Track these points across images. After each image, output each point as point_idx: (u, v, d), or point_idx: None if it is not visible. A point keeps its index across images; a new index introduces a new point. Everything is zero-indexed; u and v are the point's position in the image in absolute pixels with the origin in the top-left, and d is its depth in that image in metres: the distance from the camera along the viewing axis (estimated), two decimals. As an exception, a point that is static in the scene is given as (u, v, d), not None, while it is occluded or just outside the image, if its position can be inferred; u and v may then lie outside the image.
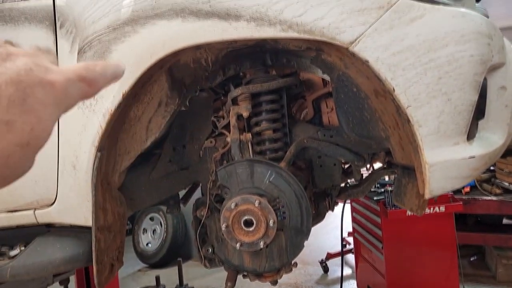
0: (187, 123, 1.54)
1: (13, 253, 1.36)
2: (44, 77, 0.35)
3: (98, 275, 1.28)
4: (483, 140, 1.14)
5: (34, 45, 0.40)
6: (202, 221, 1.48)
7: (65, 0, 1.27)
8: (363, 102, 1.25)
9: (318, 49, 1.22)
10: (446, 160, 1.08)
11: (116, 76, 0.44)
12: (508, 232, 3.51)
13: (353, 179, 1.69)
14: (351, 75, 1.22)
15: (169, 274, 4.27)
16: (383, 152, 1.50)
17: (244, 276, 1.47)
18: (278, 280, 1.45)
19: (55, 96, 0.36)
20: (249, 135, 1.42)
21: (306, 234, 1.30)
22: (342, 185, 1.74)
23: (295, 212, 1.28)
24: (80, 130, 1.22)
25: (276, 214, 1.25)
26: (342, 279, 3.47)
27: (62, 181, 1.27)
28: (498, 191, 3.40)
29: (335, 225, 3.72)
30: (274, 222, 1.23)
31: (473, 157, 1.09)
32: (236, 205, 1.25)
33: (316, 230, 1.62)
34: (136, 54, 1.13)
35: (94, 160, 1.21)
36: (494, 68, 1.13)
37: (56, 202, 1.30)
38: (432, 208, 2.83)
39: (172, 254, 4.74)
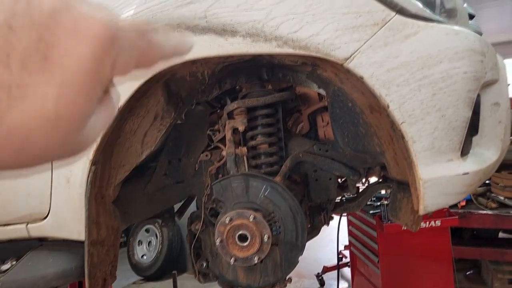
0: (183, 136, 1.54)
1: (4, 267, 1.34)
2: (79, 20, 0.25)
3: (91, 290, 1.27)
4: (477, 156, 1.15)
5: None
6: (197, 235, 1.47)
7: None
8: (358, 117, 1.26)
9: (313, 64, 1.23)
10: (440, 176, 1.08)
11: (178, 52, 0.33)
12: (504, 246, 3.50)
13: (348, 193, 1.69)
14: (346, 90, 1.23)
15: (164, 287, 4.22)
16: (378, 167, 1.50)
17: (238, 291, 1.46)
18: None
19: (94, 49, 0.25)
20: (244, 149, 1.42)
21: (301, 249, 1.30)
22: (338, 199, 1.73)
23: (290, 227, 1.28)
24: (75, 144, 1.21)
25: (271, 229, 1.24)
26: (338, 293, 3.45)
27: (56, 194, 1.26)
28: (493, 205, 3.40)
29: (332, 238, 3.71)
30: (268, 237, 1.22)
31: (467, 173, 1.09)
32: (231, 219, 1.24)
33: (312, 243, 1.61)
34: (132, 68, 1.14)
35: (88, 174, 1.20)
36: (487, 85, 1.14)
37: (49, 216, 1.28)
38: (428, 222, 2.83)
39: (167, 266, 4.69)
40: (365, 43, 1.05)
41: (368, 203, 3.01)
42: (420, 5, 1.10)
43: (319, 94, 1.54)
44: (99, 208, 1.28)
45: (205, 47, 1.10)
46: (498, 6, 7.45)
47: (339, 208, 1.73)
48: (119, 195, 1.40)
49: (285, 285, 1.41)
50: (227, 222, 1.24)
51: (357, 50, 1.05)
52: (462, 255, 3.46)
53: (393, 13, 1.05)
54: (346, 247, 3.96)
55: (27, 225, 1.30)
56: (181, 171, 1.55)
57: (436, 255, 2.90)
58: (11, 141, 0.24)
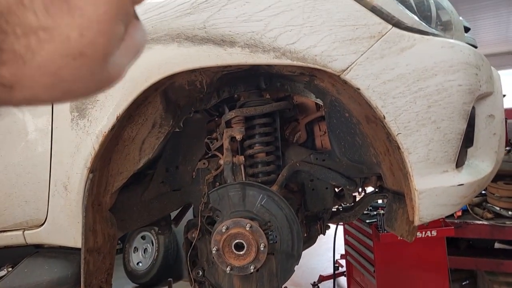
0: (181, 144, 1.54)
1: (0, 274, 1.33)
2: None
3: (86, 297, 1.26)
4: (472, 167, 1.16)
5: None
6: (193, 243, 1.47)
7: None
8: (355, 127, 1.27)
9: (311, 75, 1.24)
10: (436, 188, 1.09)
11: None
12: (500, 257, 3.50)
13: (345, 203, 1.70)
14: (343, 101, 1.24)
15: (159, 295, 4.19)
16: (374, 177, 1.51)
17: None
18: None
19: None
20: (242, 158, 1.42)
21: (296, 258, 1.30)
22: (334, 208, 1.74)
23: (286, 236, 1.28)
24: (73, 151, 1.22)
25: (267, 238, 1.25)
26: (334, 302, 3.43)
27: (53, 201, 1.26)
28: (489, 215, 3.41)
29: (328, 247, 3.70)
30: (265, 246, 1.23)
31: (462, 184, 1.10)
32: (227, 228, 1.25)
33: (309, 251, 1.61)
34: (132, 77, 1.15)
35: (86, 181, 1.21)
36: (482, 97, 1.15)
37: (46, 222, 1.28)
38: (424, 232, 2.83)
39: (163, 273, 4.66)
40: (362, 55, 1.06)
41: (365, 212, 3.02)
42: (416, 18, 1.12)
43: (316, 103, 1.55)
44: (96, 216, 1.28)
45: (204, 57, 1.11)
46: (493, 17, 7.55)
47: (335, 217, 1.74)
48: (116, 202, 1.40)
49: (281, 294, 1.41)
50: (223, 230, 1.25)
51: (354, 62, 1.06)
52: (458, 265, 3.46)
53: (390, 26, 1.07)
54: (342, 256, 3.95)
55: (23, 231, 1.30)
56: (179, 179, 1.56)
57: (432, 265, 2.90)
58: (43, 77, 0.27)
